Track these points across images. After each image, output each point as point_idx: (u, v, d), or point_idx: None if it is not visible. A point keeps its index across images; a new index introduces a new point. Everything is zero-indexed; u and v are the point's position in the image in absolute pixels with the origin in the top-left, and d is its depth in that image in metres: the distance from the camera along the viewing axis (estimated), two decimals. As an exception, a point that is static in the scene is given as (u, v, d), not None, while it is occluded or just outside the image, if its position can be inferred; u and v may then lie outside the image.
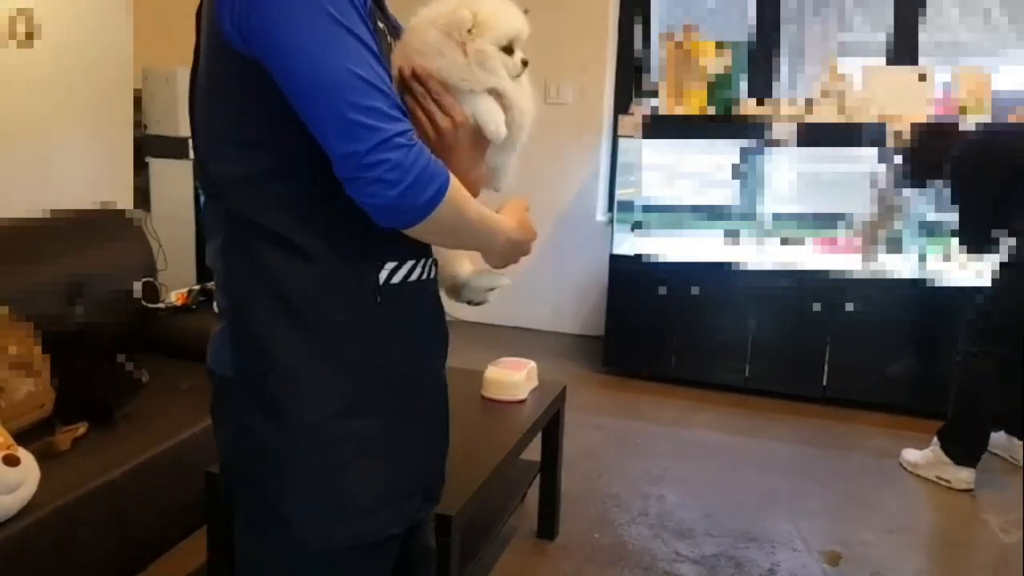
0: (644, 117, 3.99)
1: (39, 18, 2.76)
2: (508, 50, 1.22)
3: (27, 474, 1.83)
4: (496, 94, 1.21)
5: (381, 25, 1.15)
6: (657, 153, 4.45)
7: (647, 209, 4.41)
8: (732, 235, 4.07)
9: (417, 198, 1.04)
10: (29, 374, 2.25)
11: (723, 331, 3.95)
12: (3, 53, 2.69)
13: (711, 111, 3.94)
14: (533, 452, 2.69)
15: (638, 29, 4.63)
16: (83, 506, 1.99)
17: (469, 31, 1.17)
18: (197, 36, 1.15)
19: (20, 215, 2.66)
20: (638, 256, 4.07)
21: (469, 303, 1.36)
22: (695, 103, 3.98)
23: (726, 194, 4.20)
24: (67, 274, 2.64)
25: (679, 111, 3.98)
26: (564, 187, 4.69)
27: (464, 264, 1.36)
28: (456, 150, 1.19)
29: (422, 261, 1.23)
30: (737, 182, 4.10)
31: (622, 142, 4.16)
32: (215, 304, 1.17)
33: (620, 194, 4.25)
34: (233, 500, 1.20)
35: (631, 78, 4.64)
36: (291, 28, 0.99)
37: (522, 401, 2.53)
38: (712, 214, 4.30)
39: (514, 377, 2.54)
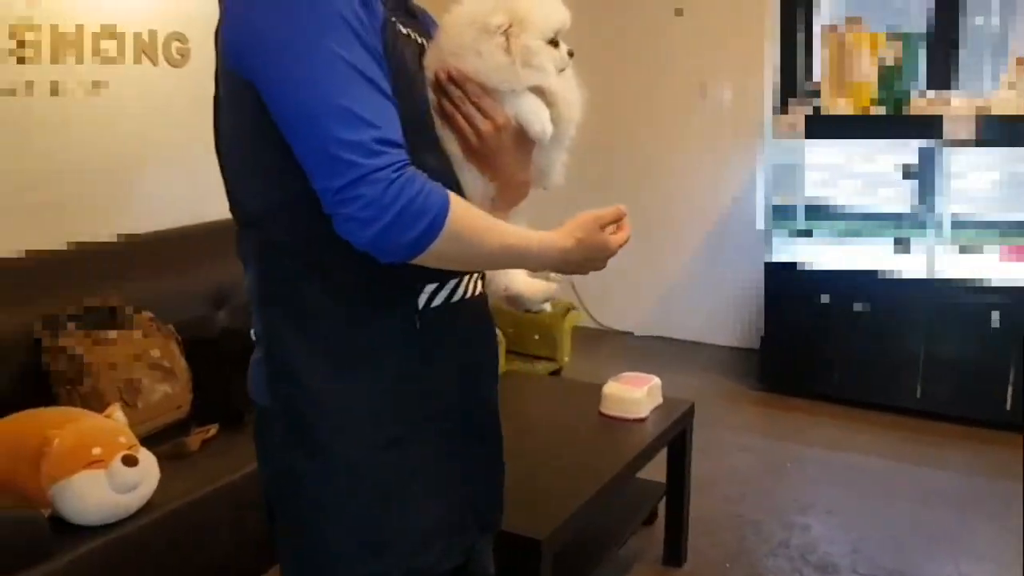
0: (804, 116, 3.73)
1: (190, 40, 2.93)
2: (554, 43, 1.15)
3: (146, 474, 1.93)
4: (539, 91, 1.14)
5: (405, 30, 1.10)
6: (821, 154, 4.16)
7: (809, 214, 4.13)
8: (903, 242, 3.72)
9: (401, 236, 0.97)
10: (167, 377, 2.38)
11: (891, 347, 3.62)
12: (158, 72, 2.88)
13: (879, 109, 3.63)
14: (660, 472, 2.57)
15: (801, 23, 4.35)
16: (203, 507, 2.07)
17: (509, 27, 1.10)
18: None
19: (170, 227, 2.84)
20: (797, 264, 3.81)
21: (527, 312, 1.30)
22: (860, 100, 3.68)
23: (896, 198, 3.85)
24: (212, 282, 2.79)
25: (841, 109, 3.70)
26: (721, 192, 4.48)
27: (515, 274, 1.27)
28: (500, 154, 1.14)
29: (466, 278, 1.16)
30: (908, 184, 3.74)
31: (780, 143, 3.91)
32: (252, 332, 1.15)
33: (779, 198, 3.99)
34: (278, 540, 1.17)
35: (793, 76, 4.35)
36: (283, 56, 0.96)
37: (642, 419, 2.41)
38: (881, 219, 3.96)
39: (634, 394, 2.43)
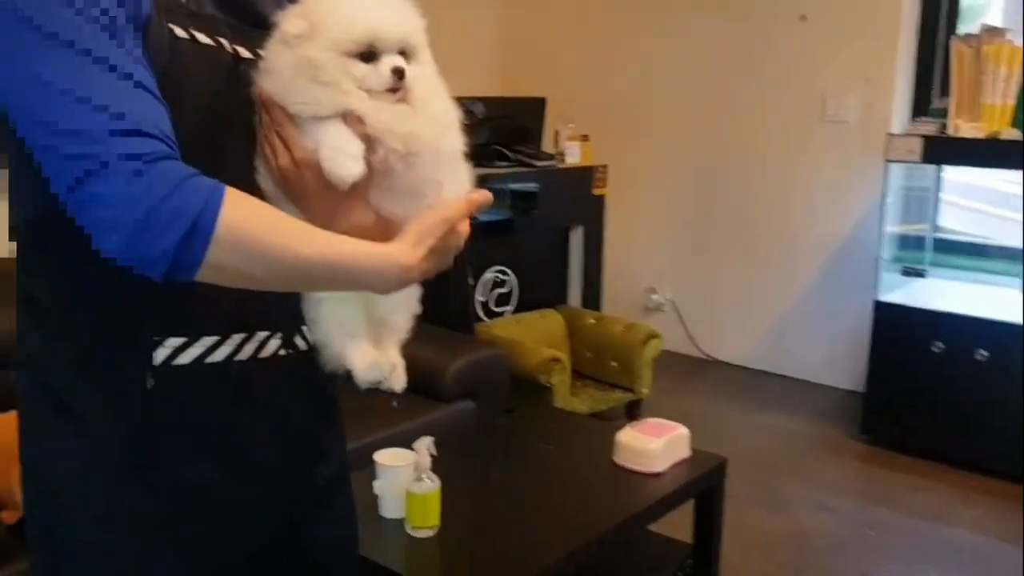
0: (921, 139, 3.31)
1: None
2: (366, 56, 0.92)
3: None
4: (356, 119, 0.92)
5: (193, 34, 0.92)
6: (954, 181, 3.69)
7: (935, 248, 3.66)
8: (1035, 287, 3.22)
9: (155, 243, 0.79)
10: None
11: (1015, 405, 3.13)
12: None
13: (1014, 133, 3.16)
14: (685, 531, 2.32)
15: (943, 32, 3.87)
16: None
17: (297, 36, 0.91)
18: None
19: None
20: (910, 304, 3.38)
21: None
22: (991, 123, 3.21)
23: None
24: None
25: (968, 132, 3.24)
26: (840, 218, 4.06)
27: (355, 343, 1.01)
28: (305, 196, 0.94)
29: (242, 336, 0.97)
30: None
31: (909, 167, 3.50)
32: None
33: (893, 230, 3.57)
34: None
35: (927, 91, 3.89)
36: None
37: (657, 474, 2.17)
38: (1010, 259, 3.44)
39: (649, 444, 2.19)
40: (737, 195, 4.36)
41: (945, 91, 3.57)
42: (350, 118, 0.93)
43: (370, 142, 0.93)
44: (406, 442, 1.85)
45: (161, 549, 0.97)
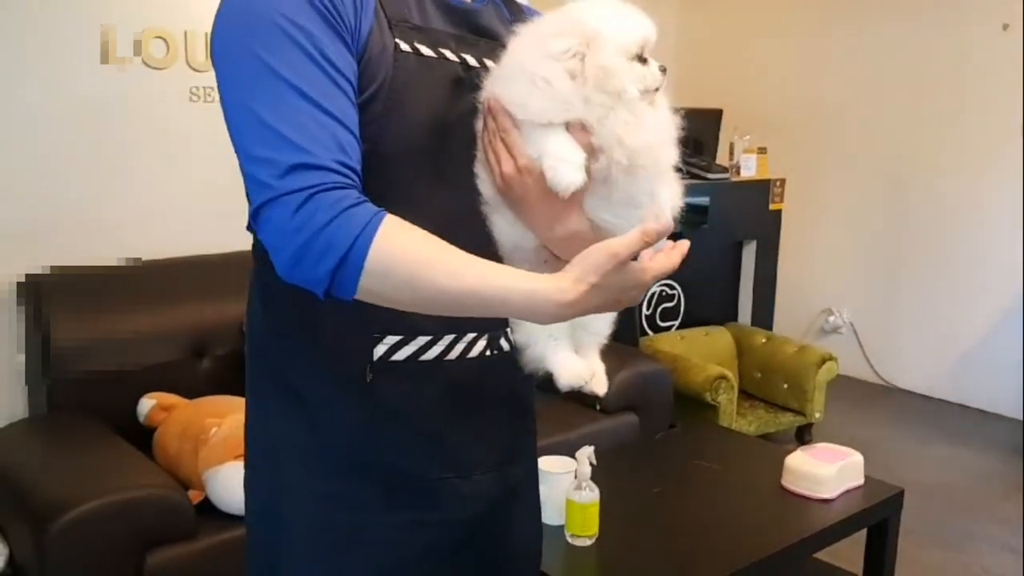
0: None
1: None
2: (641, 59, 0.96)
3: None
4: (579, 129, 0.94)
5: (416, 47, 0.98)
6: None
7: None
8: None
9: (313, 269, 0.86)
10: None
11: None
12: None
13: None
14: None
15: None
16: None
17: (581, 50, 0.93)
18: None
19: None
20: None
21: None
22: None
23: None
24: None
25: None
26: (1041, 240, 3.76)
27: (555, 346, 1.03)
28: (526, 202, 0.97)
29: (453, 336, 1.03)
30: None
31: None
32: None
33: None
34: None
35: None
36: (223, 67, 0.93)
37: (828, 500, 2.09)
38: None
39: (820, 469, 2.12)
40: (925, 214, 4.11)
41: None
42: (573, 127, 0.95)
43: (593, 152, 0.95)
44: (568, 451, 1.88)
45: (372, 531, 1.04)
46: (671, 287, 3.70)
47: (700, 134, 3.96)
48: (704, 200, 3.69)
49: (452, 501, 1.07)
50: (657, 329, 3.66)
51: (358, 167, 0.92)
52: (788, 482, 2.15)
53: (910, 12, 4.08)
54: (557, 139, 0.95)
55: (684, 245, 0.92)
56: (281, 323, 1.05)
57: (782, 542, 1.94)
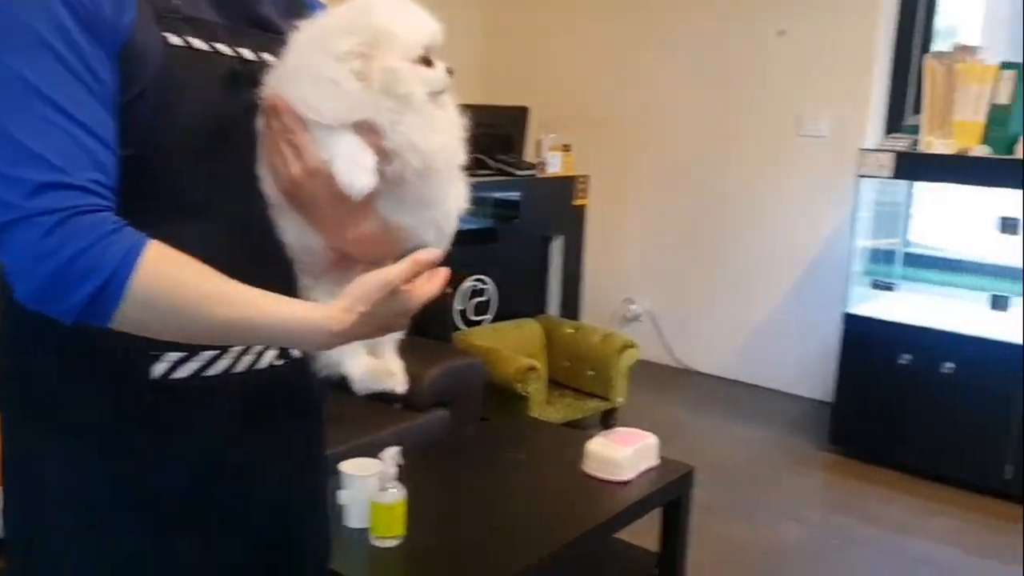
0: (894, 155, 3.37)
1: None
2: (426, 61, 0.95)
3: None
4: (368, 130, 0.92)
5: (188, 41, 0.93)
6: (925, 197, 3.76)
7: (905, 262, 3.73)
8: (1001, 301, 3.27)
9: (64, 297, 0.81)
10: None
11: (978, 418, 3.19)
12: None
13: (983, 151, 3.22)
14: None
15: (917, 49, 3.94)
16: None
17: (366, 49, 0.91)
18: None
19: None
20: (877, 317, 3.45)
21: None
22: (961, 139, 3.28)
23: (998, 250, 3.38)
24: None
25: (940, 148, 3.31)
26: (814, 231, 4.13)
27: (351, 350, 1.02)
28: (316, 205, 0.95)
29: (240, 348, 0.99)
30: (1017, 238, 3.27)
31: (883, 183, 3.56)
32: None
33: (865, 243, 3.63)
34: None
35: (899, 108, 3.96)
36: None
37: (626, 482, 2.22)
38: (977, 273, 3.51)
39: (617, 453, 2.24)
40: (715, 208, 4.41)
41: (918, 108, 3.63)
42: (362, 129, 0.93)
43: (384, 154, 0.93)
44: (378, 452, 1.88)
45: (159, 560, 0.99)
46: (483, 281, 3.77)
47: (508, 131, 4.05)
48: (515, 195, 3.79)
49: (244, 520, 1.05)
50: (471, 324, 3.72)
51: (114, 185, 0.87)
52: (589, 467, 2.26)
53: (700, 21, 4.35)
54: (347, 141, 0.93)
55: (444, 272, 0.93)
56: (41, 344, 0.95)
57: (584, 525, 2.03)
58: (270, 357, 1.03)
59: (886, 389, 3.41)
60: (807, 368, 4.15)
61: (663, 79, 4.50)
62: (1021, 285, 3.25)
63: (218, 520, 1.02)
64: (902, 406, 3.38)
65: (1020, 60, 3.26)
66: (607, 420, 3.66)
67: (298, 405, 1.11)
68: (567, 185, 4.01)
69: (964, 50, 3.39)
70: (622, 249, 4.71)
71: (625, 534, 2.25)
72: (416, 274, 0.89)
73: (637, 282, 4.69)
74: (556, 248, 4.07)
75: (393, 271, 0.88)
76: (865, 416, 3.50)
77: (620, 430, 2.38)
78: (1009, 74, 3.24)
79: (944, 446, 3.29)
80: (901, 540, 2.95)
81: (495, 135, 3.96)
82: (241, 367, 1.00)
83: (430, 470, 2.25)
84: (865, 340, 3.46)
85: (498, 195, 3.78)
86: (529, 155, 4.11)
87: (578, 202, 4.06)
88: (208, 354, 0.97)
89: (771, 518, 3.07)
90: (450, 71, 0.97)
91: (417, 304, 0.91)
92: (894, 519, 3.09)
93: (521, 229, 3.84)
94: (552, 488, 2.24)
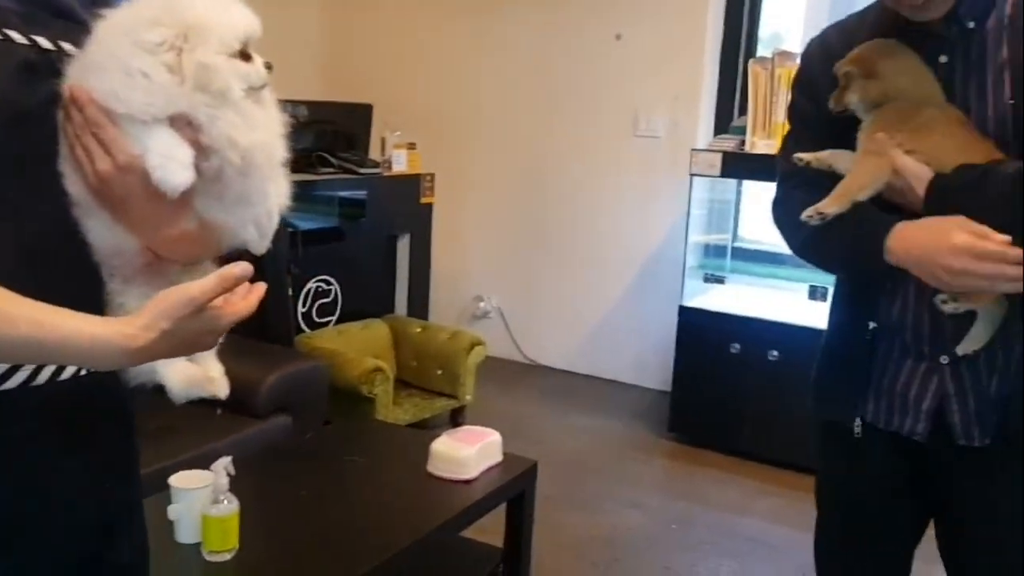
0: (722, 154, 3.55)
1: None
2: (244, 55, 0.92)
3: None
4: (184, 124, 0.89)
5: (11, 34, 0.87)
6: (752, 194, 3.97)
7: (734, 256, 3.94)
8: (817, 290, 3.51)
9: None
10: None
11: (802, 403, 3.39)
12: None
13: (802, 149, 3.43)
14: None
15: (743, 53, 4.17)
16: None
17: (178, 42, 0.88)
18: None
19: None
20: (708, 309, 3.62)
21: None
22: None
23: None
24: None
25: (764, 148, 3.51)
26: (651, 228, 4.29)
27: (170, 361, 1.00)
28: (127, 203, 0.90)
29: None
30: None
31: (714, 181, 3.74)
32: None
33: (697, 239, 3.81)
34: None
35: (729, 109, 4.17)
36: None
37: (470, 480, 2.23)
38: (797, 265, 3.75)
39: (461, 452, 2.24)
40: (558, 205, 4.51)
41: (744, 110, 3.84)
42: (179, 123, 0.89)
43: (202, 149, 0.90)
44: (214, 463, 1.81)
45: None
46: (327, 282, 3.70)
47: (352, 129, 3.99)
48: (360, 194, 3.74)
49: (53, 541, 0.98)
50: (315, 326, 3.64)
51: None
52: (433, 467, 2.25)
53: (540, 20, 4.42)
54: (162, 136, 0.89)
55: (261, 288, 0.90)
56: None
57: (426, 526, 2.03)
58: (73, 368, 0.96)
59: (719, 377, 3.59)
60: (647, 359, 4.31)
61: (505, 78, 4.55)
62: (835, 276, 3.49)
63: (25, 542, 0.96)
64: (734, 393, 3.56)
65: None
66: (456, 418, 3.67)
67: (108, 417, 1.05)
68: (413, 183, 3.99)
69: (784, 56, 3.60)
70: (470, 247, 4.74)
71: (471, 532, 2.27)
72: (225, 290, 0.85)
73: (486, 279, 4.73)
74: (403, 247, 4.04)
75: (197, 287, 0.84)
76: (701, 404, 3.67)
77: (464, 429, 2.39)
78: (823, 79, 3.47)
79: (772, 430, 3.49)
80: (735, 521, 3.11)
81: (338, 132, 3.89)
82: (42, 379, 0.93)
83: (268, 479, 2.19)
84: (699, 331, 3.63)
85: (343, 194, 3.72)
86: (374, 153, 4.07)
87: (425, 200, 4.05)
88: (1, 367, 0.90)
89: (613, 506, 3.16)
90: (269, 66, 0.95)
91: (227, 323, 0.88)
92: (728, 501, 3.26)
93: (367, 228, 3.79)
94: (395, 490, 2.22)
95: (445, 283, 4.45)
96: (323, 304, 3.68)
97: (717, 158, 3.55)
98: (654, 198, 4.26)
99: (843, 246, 1.40)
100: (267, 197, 0.99)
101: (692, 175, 3.64)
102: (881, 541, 1.58)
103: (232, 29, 0.91)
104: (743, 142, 3.63)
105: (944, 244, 1.25)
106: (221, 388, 1.04)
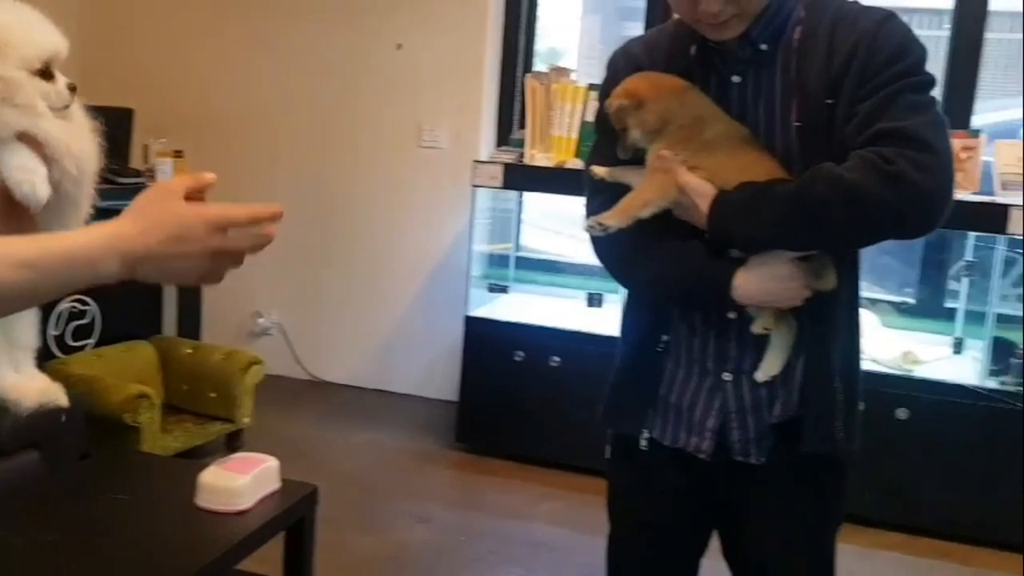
0: (503, 166, 3.60)
1: None
2: (46, 75, 0.97)
3: None
4: (31, 140, 0.94)
5: None
6: (534, 206, 4.08)
7: (517, 265, 4.02)
8: (595, 298, 3.64)
9: None
10: None
11: (582, 406, 3.50)
12: None
13: (577, 163, 3.55)
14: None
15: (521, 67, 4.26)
16: None
17: None
18: None
19: None
20: (493, 318, 3.67)
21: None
22: (559, 154, 3.59)
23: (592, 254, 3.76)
24: None
25: (542, 161, 3.59)
26: (437, 238, 4.28)
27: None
28: None
29: None
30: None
31: (496, 192, 3.79)
32: None
33: (481, 249, 3.85)
34: None
35: (510, 121, 4.25)
36: None
37: (244, 512, 2.10)
38: (576, 274, 3.90)
39: (234, 482, 2.10)
40: (341, 216, 4.40)
41: (523, 123, 3.92)
42: (27, 139, 0.94)
43: (48, 163, 0.96)
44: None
45: None
46: (84, 303, 3.38)
47: (111, 135, 3.67)
48: (122, 205, 3.40)
49: None
50: (69, 350, 3.32)
51: None
52: (203, 500, 2.10)
53: (319, 27, 4.29)
54: (20, 152, 0.93)
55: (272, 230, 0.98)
56: None
57: (197, 564, 1.88)
58: None
59: (504, 385, 3.63)
60: (434, 370, 4.29)
61: (283, 86, 4.38)
62: (615, 284, 3.62)
63: None
64: (518, 400, 3.62)
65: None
66: (233, 443, 3.48)
67: None
68: (181, 194, 3.73)
69: (559, 71, 3.71)
70: (247, 260, 4.49)
71: (250, 563, 2.13)
72: (252, 222, 0.93)
73: (265, 294, 4.52)
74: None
75: (233, 211, 0.92)
76: (487, 412, 3.69)
77: (238, 456, 2.24)
78: (595, 95, 3.60)
79: (555, 434, 3.57)
80: (520, 527, 3.15)
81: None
82: None
83: (13, 524, 1.95)
84: (484, 340, 3.66)
85: (102, 205, 3.40)
86: (136, 161, 3.78)
87: (195, 212, 3.80)
88: None
89: (400, 523, 3.11)
90: (72, 87, 1.00)
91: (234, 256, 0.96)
92: (514, 508, 3.29)
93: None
94: (160, 528, 2.04)
95: (219, 300, 4.21)
96: (79, 326, 3.36)
97: (499, 170, 3.60)
98: (438, 209, 4.26)
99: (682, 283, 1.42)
100: (87, 205, 1.06)
101: (475, 186, 3.67)
102: (669, 552, 1.61)
103: (34, 47, 0.95)
104: (522, 155, 3.70)
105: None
106: (62, 396, 1.14)
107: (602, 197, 1.45)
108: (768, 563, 1.50)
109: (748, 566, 1.56)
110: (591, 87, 3.61)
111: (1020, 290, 3.47)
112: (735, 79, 1.39)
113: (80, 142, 1.01)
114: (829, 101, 1.30)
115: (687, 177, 1.35)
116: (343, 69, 4.30)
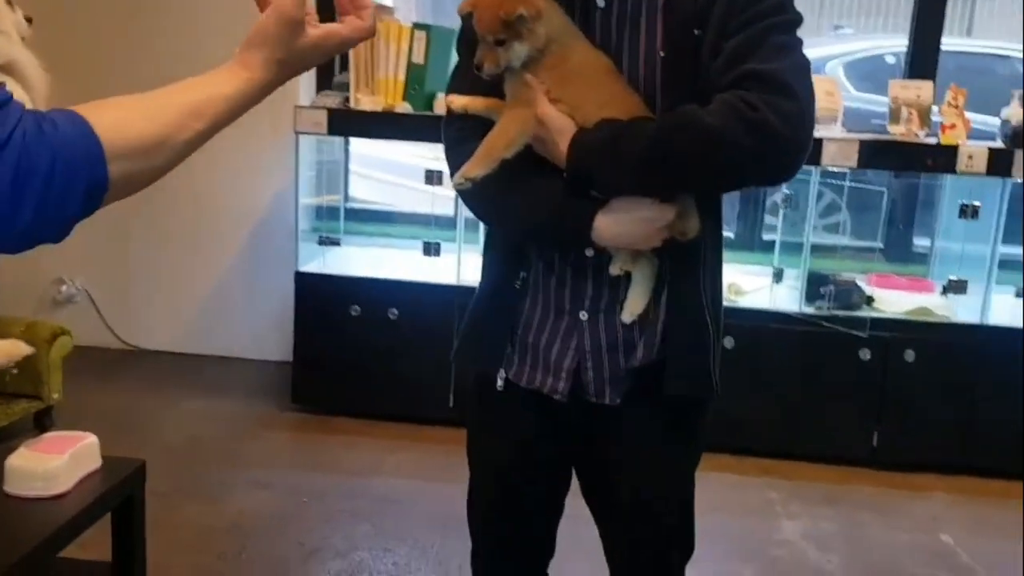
0: (327, 111, 3.42)
1: None
2: (8, 4, 1.02)
3: None
4: (9, 68, 1.02)
5: None
6: (363, 153, 3.91)
7: (348, 217, 3.86)
8: (432, 247, 3.55)
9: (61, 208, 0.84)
10: None
11: (424, 357, 3.44)
12: None
13: (408, 107, 3.42)
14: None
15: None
16: None
17: None
18: None
19: None
20: (325, 273, 3.51)
21: None
22: (387, 97, 3.44)
23: (428, 202, 3.66)
24: None
25: (370, 105, 3.44)
26: (259, 192, 4.04)
27: None
28: None
29: None
30: (441, 188, 3.57)
31: (322, 140, 3.59)
32: None
33: (308, 201, 3.67)
34: None
35: (331, 64, 4.05)
36: None
37: (61, 495, 1.89)
38: (411, 223, 3.80)
39: (47, 464, 1.89)
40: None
41: (346, 65, 3.73)
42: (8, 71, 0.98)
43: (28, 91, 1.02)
44: None
45: None
46: None
47: None
48: None
49: None
50: None
51: None
52: (12, 486, 1.87)
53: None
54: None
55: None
56: None
57: (10, 558, 1.68)
58: None
59: (341, 341, 3.50)
60: (265, 331, 4.07)
61: (70, 17, 3.96)
62: (452, 232, 3.54)
63: None
64: (357, 355, 3.50)
65: (430, 22, 3.51)
66: (43, 421, 3.17)
67: None
68: None
69: (382, 9, 3.55)
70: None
71: (73, 549, 1.94)
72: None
73: (67, 260, 4.11)
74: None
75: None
76: (325, 370, 3.55)
77: (50, 435, 2.02)
78: (421, 34, 3.47)
79: (398, 387, 3.49)
80: (366, 483, 3.06)
81: None
82: None
83: None
84: (317, 296, 3.50)
85: None
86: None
87: None
88: None
89: (238, 491, 2.94)
90: (29, 19, 1.07)
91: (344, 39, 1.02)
92: (360, 465, 3.20)
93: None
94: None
95: (14, 267, 3.78)
96: None
97: (323, 115, 3.41)
98: (260, 160, 4.00)
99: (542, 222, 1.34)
100: None
101: (297, 132, 3.47)
102: (529, 494, 1.56)
103: None
104: (347, 99, 3.53)
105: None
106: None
107: (455, 127, 1.38)
108: (628, 504, 1.49)
109: (607, 507, 1.54)
110: (416, 26, 3.48)
111: (830, 220, 3.70)
112: (600, 3, 1.31)
113: (39, 70, 1.07)
114: (696, 32, 1.25)
115: (548, 109, 1.28)
116: (145, 5, 3.93)
